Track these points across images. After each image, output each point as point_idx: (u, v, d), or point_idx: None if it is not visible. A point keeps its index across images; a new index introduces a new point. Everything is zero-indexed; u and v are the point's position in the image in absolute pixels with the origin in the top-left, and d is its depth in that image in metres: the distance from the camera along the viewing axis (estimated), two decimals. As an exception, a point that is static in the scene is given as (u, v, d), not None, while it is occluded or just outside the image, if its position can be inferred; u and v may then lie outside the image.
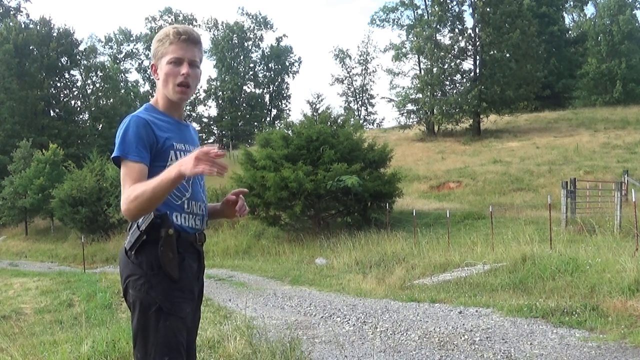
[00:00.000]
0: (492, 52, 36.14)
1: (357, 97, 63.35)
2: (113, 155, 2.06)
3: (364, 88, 63.25)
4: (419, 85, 37.60)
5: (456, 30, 37.06)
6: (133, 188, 1.97)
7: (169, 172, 1.92)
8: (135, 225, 2.06)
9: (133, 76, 66.71)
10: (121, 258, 2.14)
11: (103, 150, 32.36)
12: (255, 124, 61.51)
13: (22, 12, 50.14)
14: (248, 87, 63.61)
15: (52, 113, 45.11)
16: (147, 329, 2.04)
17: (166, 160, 2.09)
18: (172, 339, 2.04)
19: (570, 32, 52.49)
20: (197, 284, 2.21)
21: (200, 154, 1.86)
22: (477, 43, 36.29)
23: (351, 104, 62.68)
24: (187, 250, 2.13)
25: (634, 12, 43.91)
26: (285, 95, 66.16)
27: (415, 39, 37.85)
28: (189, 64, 2.13)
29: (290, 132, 18.93)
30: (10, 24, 42.90)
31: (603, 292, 6.37)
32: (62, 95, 46.58)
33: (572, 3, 54.27)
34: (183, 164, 1.89)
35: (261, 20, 64.10)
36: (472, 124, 36.58)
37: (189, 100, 2.26)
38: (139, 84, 61.25)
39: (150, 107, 2.19)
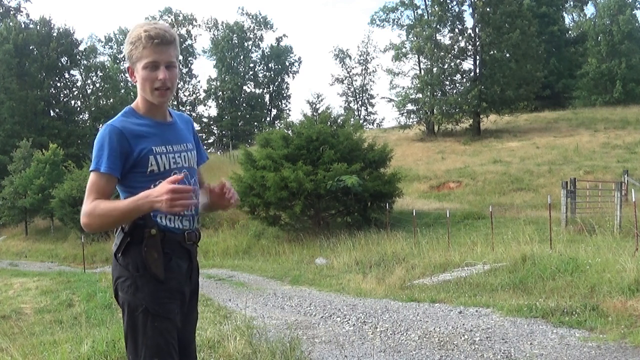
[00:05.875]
0: (492, 52, 36.15)
1: (357, 97, 63.38)
2: (90, 169, 2.06)
3: (364, 88, 63.28)
4: (419, 85, 37.60)
5: (456, 30, 37.08)
6: (97, 203, 1.99)
7: (139, 206, 1.95)
8: (120, 227, 2.06)
9: (132, 76, 66.67)
10: (112, 260, 2.16)
11: (103, 150, 32.31)
12: (255, 124, 61.48)
13: (22, 12, 50.23)
14: (248, 87, 63.63)
15: (52, 113, 45.16)
16: (135, 331, 2.05)
17: (146, 166, 2.07)
18: (160, 340, 2.04)
19: (570, 32, 52.50)
20: (189, 284, 2.19)
21: (172, 193, 1.89)
22: (477, 43, 36.29)
23: (351, 104, 62.72)
24: (174, 250, 2.11)
25: (634, 12, 43.94)
26: (285, 95, 66.17)
27: (415, 39, 37.85)
28: (166, 67, 2.08)
29: (290, 132, 18.94)
30: (10, 24, 42.92)
31: (603, 292, 6.36)
32: (62, 95, 46.62)
33: (572, 3, 54.30)
34: (156, 200, 1.92)
35: (261, 20, 64.10)
36: (472, 124, 36.58)
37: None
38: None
39: (130, 111, 2.15)
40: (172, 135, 2.19)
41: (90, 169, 2.05)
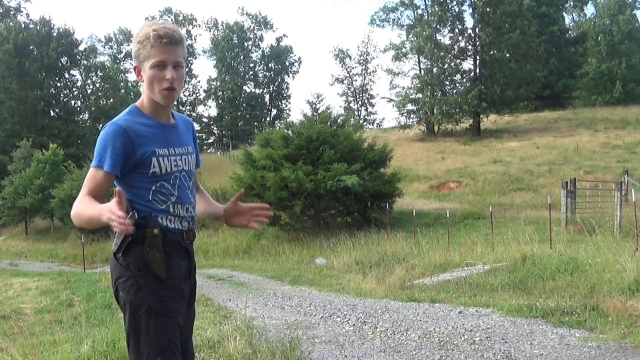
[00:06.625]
0: (492, 52, 36.15)
1: (357, 97, 63.39)
2: (91, 165, 2.07)
3: (364, 88, 63.29)
4: (419, 85, 37.61)
5: (456, 30, 37.09)
6: (82, 200, 2.02)
7: (101, 215, 1.92)
8: None
9: (133, 76, 66.19)
10: (110, 260, 2.15)
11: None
12: (255, 124, 61.50)
13: (22, 12, 50.25)
14: (248, 87, 63.66)
15: (52, 113, 45.16)
16: (138, 330, 2.05)
17: (148, 168, 2.08)
18: (163, 339, 2.04)
19: (570, 32, 52.51)
20: (188, 282, 2.20)
21: (111, 214, 1.86)
22: (477, 43, 36.30)
23: (351, 104, 62.73)
24: (174, 249, 2.12)
25: (634, 12, 43.95)
26: (285, 95, 66.20)
27: (415, 39, 37.85)
28: (173, 66, 2.08)
29: (290, 132, 18.94)
30: (10, 24, 42.93)
31: (603, 292, 6.36)
32: (62, 95, 46.61)
33: (572, 3, 54.30)
34: (105, 216, 1.90)
35: (261, 20, 64.13)
36: (472, 124, 36.59)
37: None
38: (139, 84, 61.15)
39: (135, 109, 2.15)
40: (175, 138, 2.20)
41: (92, 165, 2.06)
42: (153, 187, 2.08)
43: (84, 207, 2.00)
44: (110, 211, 1.86)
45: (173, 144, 2.17)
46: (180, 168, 2.16)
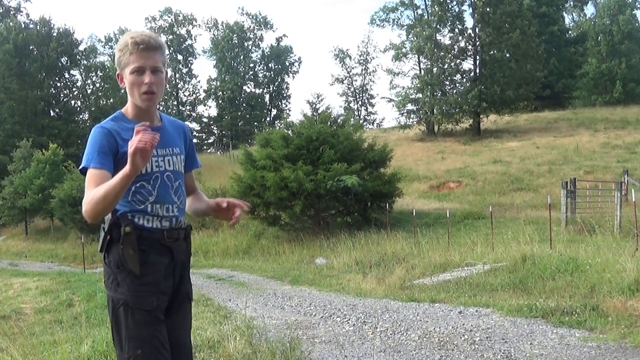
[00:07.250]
0: (492, 52, 36.16)
1: (357, 97, 63.41)
2: (80, 167, 2.14)
3: (364, 88, 63.31)
4: (419, 85, 37.61)
5: (456, 30, 37.09)
6: (89, 191, 2.05)
7: (116, 176, 1.98)
8: (102, 227, 2.15)
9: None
10: None
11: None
12: (255, 124, 61.48)
13: (22, 12, 50.23)
14: (248, 87, 63.64)
15: (52, 113, 45.13)
16: (119, 325, 2.13)
17: None
18: (142, 332, 2.10)
19: (570, 32, 52.50)
20: (171, 279, 2.22)
21: (132, 143, 1.92)
22: (477, 43, 36.30)
23: (351, 104, 62.76)
24: (152, 246, 2.16)
25: (634, 12, 43.92)
26: (285, 95, 66.18)
27: (415, 39, 37.85)
28: (152, 71, 2.16)
29: (290, 132, 18.94)
30: (10, 24, 42.91)
31: (603, 292, 6.36)
32: (62, 95, 46.58)
33: (572, 3, 54.31)
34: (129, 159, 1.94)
35: (261, 20, 64.11)
36: (472, 124, 36.59)
37: (158, 103, 2.25)
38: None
39: (120, 115, 2.24)
40: (161, 139, 2.20)
41: (82, 166, 2.12)
42: (132, 188, 2.14)
43: (96, 190, 2.01)
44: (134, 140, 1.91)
45: (159, 145, 2.19)
46: (162, 169, 2.22)
